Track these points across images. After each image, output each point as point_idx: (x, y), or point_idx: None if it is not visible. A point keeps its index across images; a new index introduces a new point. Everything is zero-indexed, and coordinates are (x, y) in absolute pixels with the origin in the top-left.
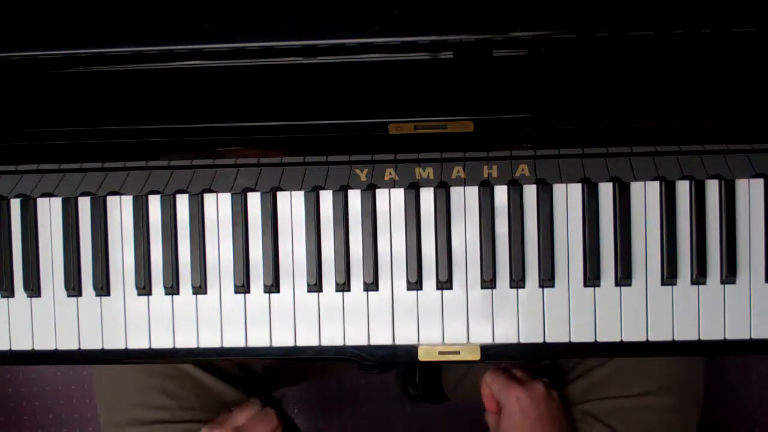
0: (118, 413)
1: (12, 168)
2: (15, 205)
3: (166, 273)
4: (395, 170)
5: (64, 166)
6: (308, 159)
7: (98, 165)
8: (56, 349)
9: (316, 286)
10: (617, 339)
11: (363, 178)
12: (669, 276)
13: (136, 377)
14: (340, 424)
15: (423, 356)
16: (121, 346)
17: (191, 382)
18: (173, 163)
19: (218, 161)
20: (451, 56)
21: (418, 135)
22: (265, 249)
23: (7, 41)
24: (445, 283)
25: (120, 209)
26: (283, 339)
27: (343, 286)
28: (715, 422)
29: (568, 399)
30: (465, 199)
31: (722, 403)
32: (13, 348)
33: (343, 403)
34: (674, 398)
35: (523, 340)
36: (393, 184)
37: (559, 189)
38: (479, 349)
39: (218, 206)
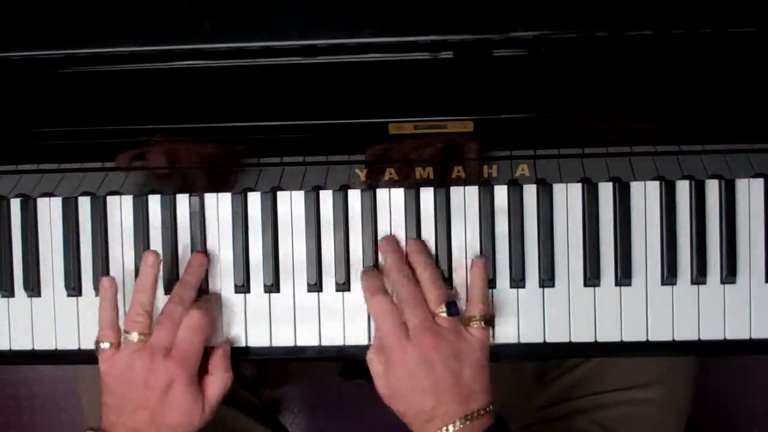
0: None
1: (12, 168)
2: (15, 205)
3: (166, 273)
4: (395, 170)
5: (64, 166)
6: (308, 159)
7: (98, 165)
8: (56, 349)
9: (316, 285)
10: (617, 339)
11: (363, 177)
12: (669, 276)
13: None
14: (340, 424)
15: None
16: None
17: None
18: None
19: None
20: (451, 56)
21: (418, 135)
22: (265, 249)
23: (7, 41)
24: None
25: (120, 209)
26: (283, 339)
27: (343, 286)
28: (715, 422)
29: (553, 397)
30: (465, 199)
31: (722, 403)
32: (13, 348)
33: (343, 403)
34: (660, 392)
35: (523, 340)
36: (393, 184)
37: (559, 189)
38: None
39: (218, 206)
